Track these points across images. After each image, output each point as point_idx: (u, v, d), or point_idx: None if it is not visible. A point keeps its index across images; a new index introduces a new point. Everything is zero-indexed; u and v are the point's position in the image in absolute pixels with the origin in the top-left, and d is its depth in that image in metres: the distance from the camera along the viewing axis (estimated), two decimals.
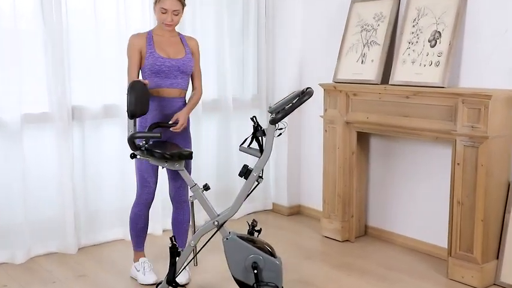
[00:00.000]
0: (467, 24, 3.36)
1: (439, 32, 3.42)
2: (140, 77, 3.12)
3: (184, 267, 2.92)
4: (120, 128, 3.84)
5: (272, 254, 2.78)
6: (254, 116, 2.73)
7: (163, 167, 2.94)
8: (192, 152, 2.89)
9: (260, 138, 2.71)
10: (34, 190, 3.59)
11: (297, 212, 4.68)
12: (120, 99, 3.81)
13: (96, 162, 3.83)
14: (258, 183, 2.75)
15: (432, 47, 3.44)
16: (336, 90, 3.88)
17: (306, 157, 4.59)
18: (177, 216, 3.29)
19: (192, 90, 3.26)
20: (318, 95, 4.09)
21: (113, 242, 3.92)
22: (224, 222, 2.82)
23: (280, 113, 2.64)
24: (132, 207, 3.23)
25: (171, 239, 2.87)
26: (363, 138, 3.97)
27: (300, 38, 4.51)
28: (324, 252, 3.81)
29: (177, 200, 3.29)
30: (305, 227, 4.32)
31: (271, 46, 4.59)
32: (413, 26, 3.57)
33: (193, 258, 2.90)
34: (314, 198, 4.48)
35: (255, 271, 2.70)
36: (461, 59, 3.40)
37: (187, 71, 3.15)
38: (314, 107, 4.28)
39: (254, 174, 2.72)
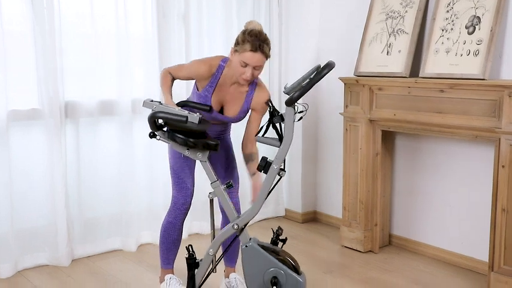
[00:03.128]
0: (511, 8, 2.97)
1: (478, 17, 3.03)
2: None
3: (204, 280, 2.54)
4: (118, 126, 3.51)
5: (296, 269, 2.42)
6: (269, 100, 2.36)
7: (183, 155, 2.59)
8: (218, 144, 2.45)
9: (278, 124, 2.36)
10: (22, 195, 3.23)
11: (312, 219, 4.30)
12: (118, 94, 3.47)
13: (92, 164, 3.47)
14: (281, 176, 2.39)
15: (470, 34, 3.05)
16: (358, 84, 3.49)
17: (323, 158, 4.21)
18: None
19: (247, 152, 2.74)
20: (338, 90, 3.73)
21: (110, 252, 3.56)
22: (245, 226, 2.47)
23: (297, 92, 2.25)
24: (166, 215, 2.77)
25: (187, 248, 2.51)
26: (388, 138, 3.60)
27: (317, 28, 4.13)
28: (345, 265, 3.41)
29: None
30: (322, 236, 3.93)
31: (284, 37, 4.22)
32: (448, 11, 3.18)
33: (212, 269, 2.54)
34: (332, 204, 4.11)
35: (274, 287, 2.35)
36: (504, 48, 3.01)
37: (233, 122, 2.75)
38: (333, 103, 3.92)
39: (275, 167, 2.36)
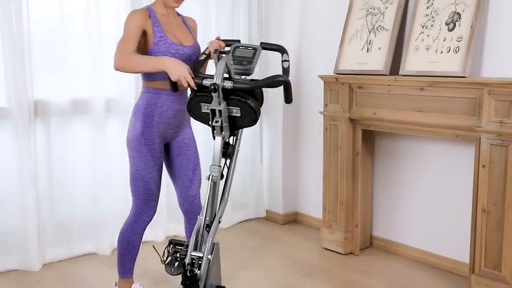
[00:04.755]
0: (492, 4, 2.90)
1: (458, 13, 2.96)
2: None
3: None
4: (91, 126, 3.40)
5: None
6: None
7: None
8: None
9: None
10: None
11: (293, 220, 4.22)
12: (91, 93, 3.36)
13: (64, 165, 3.35)
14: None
15: (450, 30, 2.98)
16: (337, 82, 3.41)
17: (303, 159, 4.12)
18: (192, 227, 2.60)
19: None
20: (318, 88, 3.65)
21: (83, 256, 3.45)
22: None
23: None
24: (128, 229, 2.57)
25: (186, 266, 2.13)
26: (369, 137, 3.52)
27: (296, 25, 4.05)
28: (325, 267, 3.33)
29: (193, 210, 2.66)
30: (302, 238, 3.85)
31: (264, 34, 4.13)
32: (428, 7, 3.11)
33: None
34: (313, 205, 4.03)
35: None
36: (484, 44, 2.94)
37: (196, 53, 2.58)
38: (313, 102, 3.83)
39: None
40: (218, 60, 2.11)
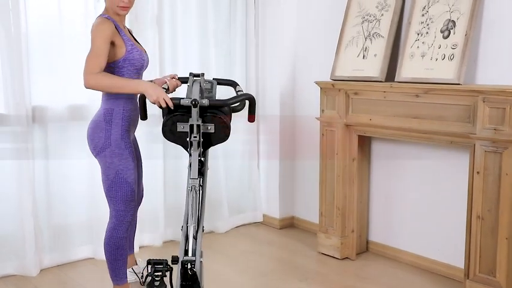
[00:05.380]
0: (486, 12, 2.93)
1: (453, 21, 2.99)
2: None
3: None
4: None
5: None
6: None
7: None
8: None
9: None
10: None
11: (290, 225, 4.23)
12: (88, 99, 3.37)
13: (61, 170, 3.36)
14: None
15: (445, 38, 3.01)
16: (334, 88, 3.44)
17: (300, 164, 4.15)
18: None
19: None
20: (314, 94, 3.68)
21: (80, 261, 3.46)
22: None
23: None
24: (113, 234, 2.63)
25: (187, 270, 2.13)
26: (364, 143, 3.54)
27: (293, 31, 4.07)
28: (321, 272, 3.35)
29: (141, 198, 3.02)
30: (299, 243, 3.87)
31: (260, 40, 4.16)
32: (423, 15, 3.14)
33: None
34: (309, 210, 4.05)
35: None
36: (479, 52, 2.97)
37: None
38: (309, 107, 3.85)
39: None
40: (193, 83, 2.43)
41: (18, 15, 3.09)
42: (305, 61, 4.04)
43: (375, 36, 3.39)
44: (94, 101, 3.37)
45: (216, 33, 3.96)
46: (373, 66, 3.33)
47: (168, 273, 2.17)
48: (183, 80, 2.75)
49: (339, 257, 3.52)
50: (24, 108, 3.14)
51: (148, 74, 3.03)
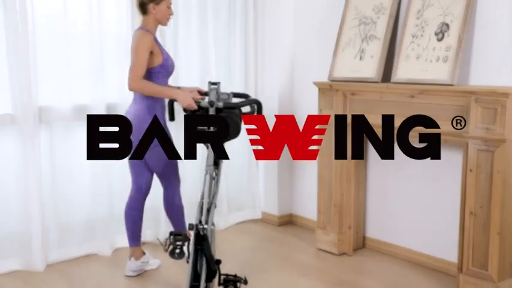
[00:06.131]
0: (479, 15, 3.04)
1: (446, 24, 3.10)
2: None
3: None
4: None
5: None
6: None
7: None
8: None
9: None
10: None
11: (288, 222, 4.33)
12: (93, 99, 3.46)
13: (67, 169, 3.46)
14: None
15: (439, 40, 3.11)
16: (331, 89, 3.54)
17: (298, 162, 4.24)
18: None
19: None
20: (312, 94, 3.77)
21: (85, 257, 3.55)
22: None
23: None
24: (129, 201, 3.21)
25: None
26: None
27: (291, 33, 4.17)
28: (320, 268, 3.45)
29: None
30: (297, 239, 3.97)
31: (259, 41, 4.24)
32: (418, 18, 3.24)
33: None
34: (307, 207, 4.15)
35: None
36: (472, 54, 3.08)
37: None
38: (308, 107, 3.95)
39: None
40: (211, 89, 2.86)
41: (25, 18, 3.16)
42: (304, 62, 4.13)
43: (371, 38, 3.49)
44: (98, 102, 3.48)
45: (216, 33, 4.04)
46: (370, 68, 3.43)
47: (186, 243, 2.64)
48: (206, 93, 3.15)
49: (337, 253, 3.62)
50: (31, 108, 3.22)
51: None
